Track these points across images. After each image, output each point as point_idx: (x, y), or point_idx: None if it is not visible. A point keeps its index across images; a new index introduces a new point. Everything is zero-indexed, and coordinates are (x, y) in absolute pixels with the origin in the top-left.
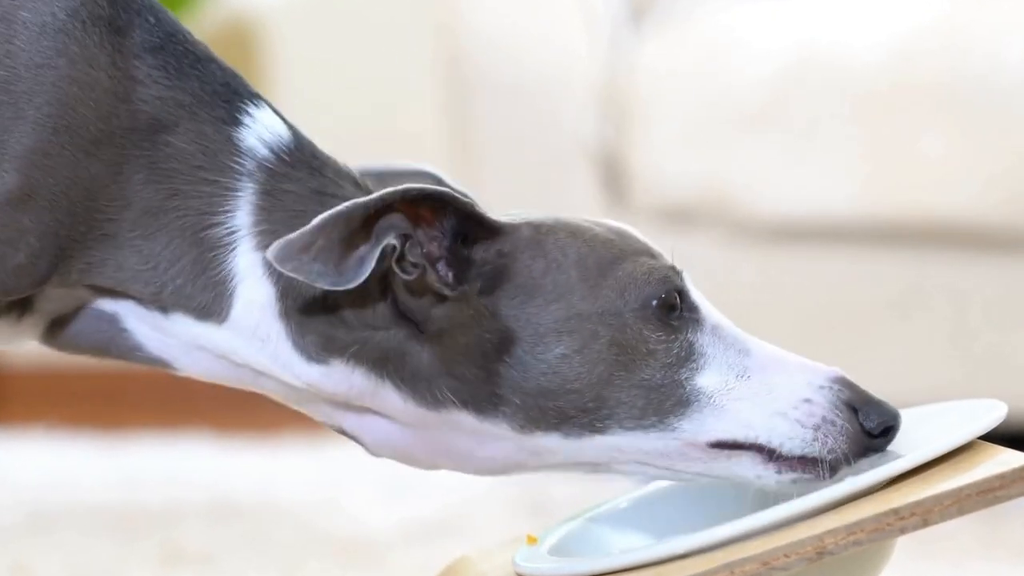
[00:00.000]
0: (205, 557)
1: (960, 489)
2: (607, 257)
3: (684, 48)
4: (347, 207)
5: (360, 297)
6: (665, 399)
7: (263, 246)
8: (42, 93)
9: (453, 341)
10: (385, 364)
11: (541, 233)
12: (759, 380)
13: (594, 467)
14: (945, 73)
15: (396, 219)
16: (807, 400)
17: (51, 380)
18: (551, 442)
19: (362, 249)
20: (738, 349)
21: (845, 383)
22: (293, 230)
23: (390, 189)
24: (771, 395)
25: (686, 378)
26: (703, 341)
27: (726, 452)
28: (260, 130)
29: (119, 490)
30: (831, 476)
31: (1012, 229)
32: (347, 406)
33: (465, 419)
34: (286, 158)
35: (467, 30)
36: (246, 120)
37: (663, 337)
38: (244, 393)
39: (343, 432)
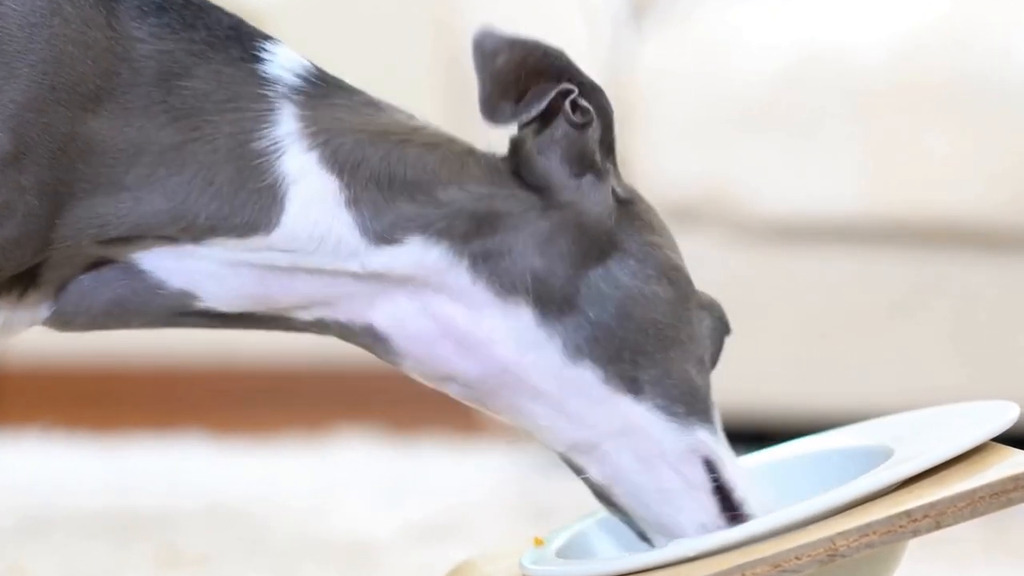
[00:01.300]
0: (202, 559)
1: (973, 491)
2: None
3: (685, 47)
4: (540, 41)
5: (465, 157)
6: (697, 399)
7: (318, 144)
8: (36, 51)
9: (569, 220)
10: (473, 237)
11: (644, 199)
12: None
13: (586, 447)
14: (948, 71)
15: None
16: None
17: (47, 381)
18: (588, 378)
19: (533, 92)
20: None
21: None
22: (351, 126)
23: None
24: (743, 469)
25: (711, 400)
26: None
27: (709, 479)
28: (282, 60)
29: (115, 492)
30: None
31: (1016, 228)
32: (391, 293)
33: (524, 316)
34: (316, 81)
35: (467, 30)
36: (264, 55)
37: (713, 359)
38: (242, 395)
39: (365, 334)
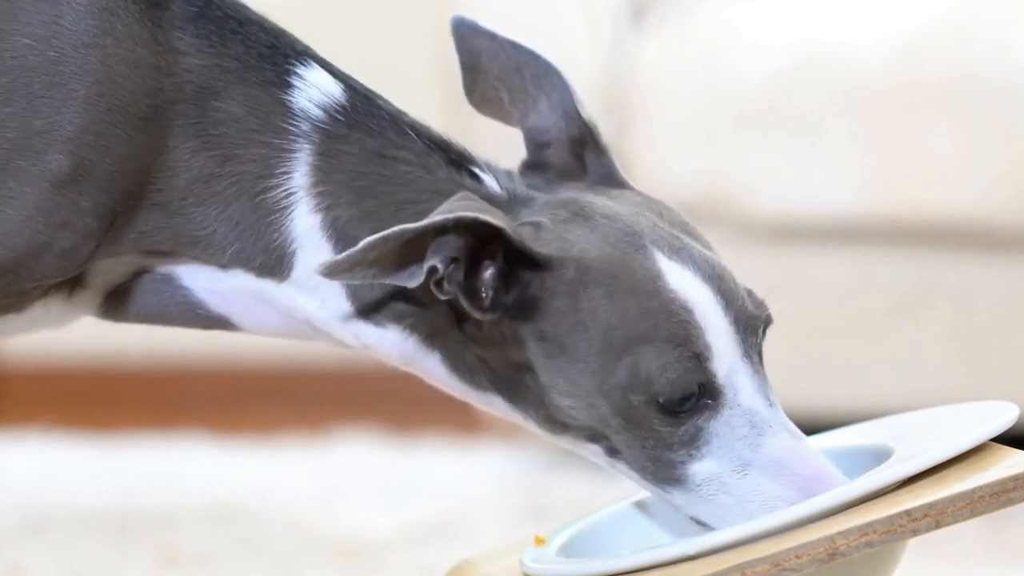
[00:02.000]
0: (202, 560)
1: (973, 491)
2: (633, 335)
3: (686, 46)
4: (396, 231)
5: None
6: (662, 470)
7: (322, 208)
8: (91, 73)
9: (485, 348)
10: (435, 339)
11: (583, 281)
12: (752, 480)
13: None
14: (950, 70)
15: (450, 239)
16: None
17: (48, 381)
18: (575, 444)
19: (411, 266)
20: (751, 442)
21: None
22: (352, 191)
23: (445, 213)
24: (754, 500)
25: (682, 461)
26: (714, 428)
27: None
28: (311, 91)
29: (116, 492)
30: None
31: (1016, 228)
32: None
33: (499, 403)
34: (340, 118)
35: None
36: (295, 81)
37: (669, 422)
38: (243, 395)
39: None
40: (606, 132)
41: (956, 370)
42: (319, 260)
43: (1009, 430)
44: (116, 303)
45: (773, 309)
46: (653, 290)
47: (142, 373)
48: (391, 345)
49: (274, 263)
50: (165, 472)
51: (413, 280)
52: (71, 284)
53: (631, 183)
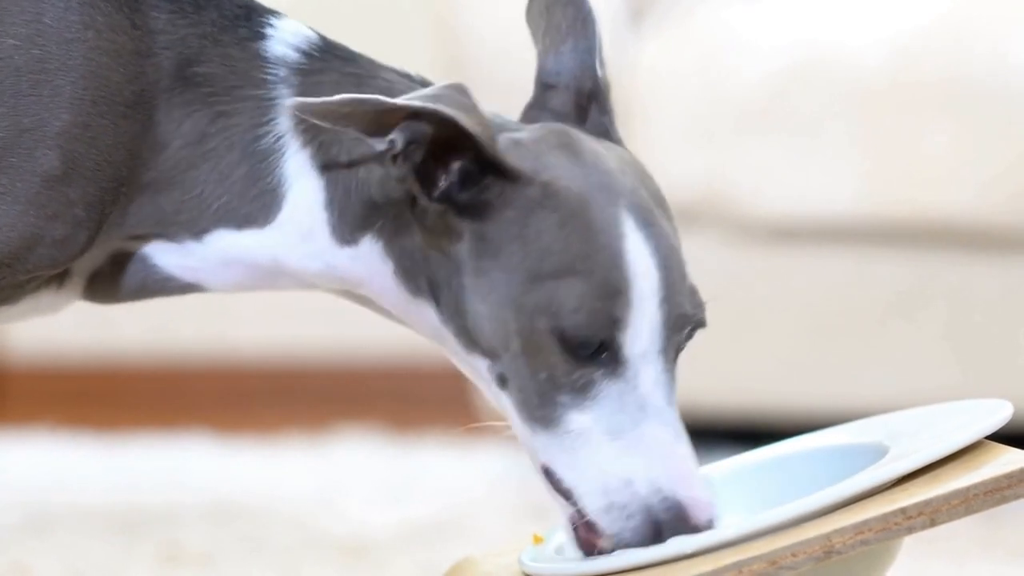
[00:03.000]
0: (205, 558)
1: (968, 489)
2: (564, 266)
3: (685, 47)
4: (373, 99)
5: (387, 173)
6: (542, 408)
7: (309, 142)
8: (75, 68)
9: (425, 235)
10: (393, 242)
11: (542, 203)
12: (619, 448)
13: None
14: (947, 72)
15: (422, 125)
16: (630, 482)
17: (51, 380)
18: (481, 368)
19: (378, 136)
20: (634, 419)
21: (679, 510)
22: None
23: (429, 101)
24: (614, 460)
25: (563, 404)
26: (605, 390)
27: (547, 481)
28: (284, 36)
29: (119, 490)
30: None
31: (1015, 229)
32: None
33: (430, 315)
34: (316, 54)
35: (467, 30)
36: (268, 31)
37: (565, 359)
38: (244, 395)
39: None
40: None
41: (952, 369)
42: (307, 194)
43: (1004, 428)
44: (99, 287)
45: (772, 309)
46: (605, 243)
47: (144, 372)
48: (359, 265)
49: (259, 209)
50: (167, 471)
51: (373, 145)
52: (60, 275)
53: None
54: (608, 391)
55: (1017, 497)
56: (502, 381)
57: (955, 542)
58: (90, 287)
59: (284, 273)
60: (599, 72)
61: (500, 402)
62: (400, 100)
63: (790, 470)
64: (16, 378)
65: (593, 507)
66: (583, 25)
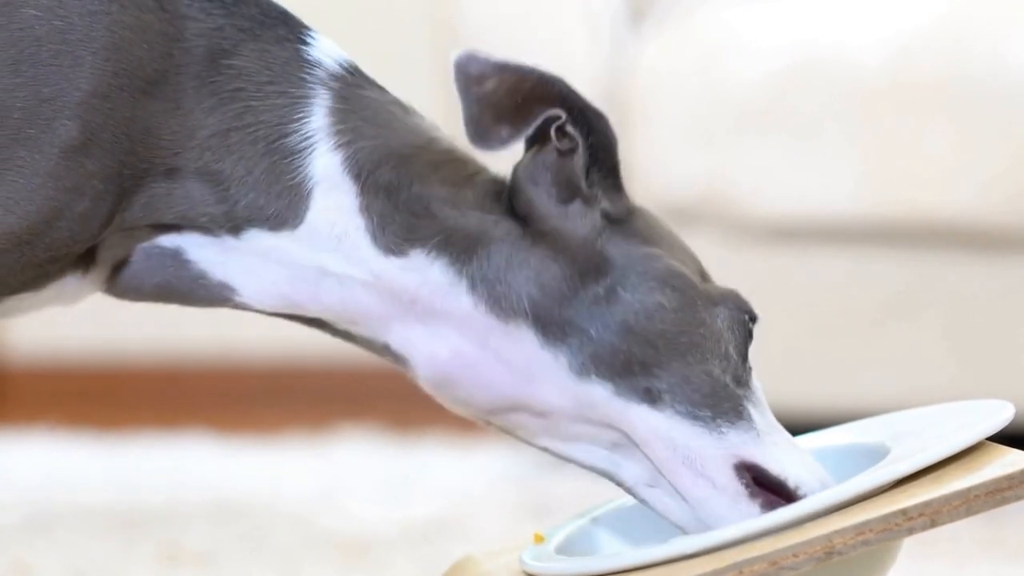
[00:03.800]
0: (205, 557)
1: (969, 490)
2: (686, 253)
3: (685, 47)
4: (530, 67)
5: (465, 180)
6: (724, 400)
7: (342, 144)
8: (97, 39)
9: (557, 246)
10: (469, 257)
11: (647, 213)
12: (783, 436)
13: (606, 465)
14: (946, 72)
15: (557, 114)
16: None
17: (51, 380)
18: (599, 394)
19: (523, 120)
20: (767, 410)
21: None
22: (376, 126)
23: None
24: (803, 460)
25: (743, 396)
26: (756, 384)
27: (741, 484)
28: (324, 46)
29: (119, 490)
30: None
31: (1013, 229)
32: (404, 315)
33: (527, 339)
34: (354, 72)
35: (467, 30)
36: (308, 39)
37: (740, 350)
38: (245, 394)
39: (387, 352)
40: None
41: (951, 369)
42: (337, 197)
43: (1005, 429)
44: (122, 279)
45: (771, 309)
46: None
47: (146, 372)
48: (411, 276)
49: (287, 209)
50: (168, 470)
51: (524, 128)
52: (86, 261)
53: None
54: (756, 384)
55: (1018, 498)
56: (652, 395)
57: (956, 543)
58: (113, 278)
59: (327, 277)
60: None
61: (644, 426)
62: (560, 79)
63: None
64: (17, 377)
65: (811, 487)
66: None
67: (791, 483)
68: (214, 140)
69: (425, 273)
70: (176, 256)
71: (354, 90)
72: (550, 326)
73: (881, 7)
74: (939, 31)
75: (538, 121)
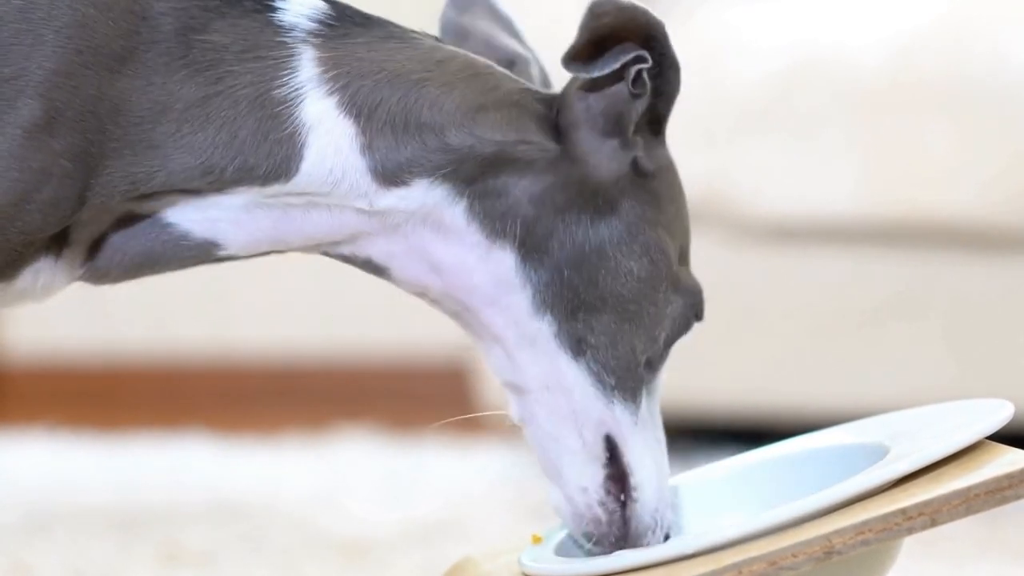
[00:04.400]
0: (205, 557)
1: (968, 489)
2: (686, 233)
3: (685, 47)
4: (654, 16)
5: (488, 97)
6: (629, 378)
7: (337, 88)
8: (59, 16)
9: (577, 174)
10: (478, 180)
11: (670, 162)
12: (658, 441)
13: (516, 389)
14: (946, 72)
15: (633, 53)
16: (664, 490)
17: (51, 380)
18: (544, 332)
19: (611, 52)
20: (653, 411)
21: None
22: (376, 67)
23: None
24: (659, 457)
25: (645, 381)
26: (661, 378)
27: (603, 452)
28: (296, 7)
29: (119, 490)
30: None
31: (1011, 229)
32: (391, 232)
33: (506, 262)
34: (335, 23)
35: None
36: (278, 3)
37: (669, 341)
38: (244, 394)
39: (368, 264)
40: None
41: (951, 369)
42: (334, 141)
43: (1004, 428)
44: (100, 258)
45: (771, 308)
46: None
47: (144, 372)
48: (410, 202)
49: (280, 163)
50: (167, 470)
51: (608, 66)
52: (58, 245)
53: None
54: (656, 379)
55: (1018, 498)
56: (579, 345)
57: (955, 543)
58: (90, 259)
59: (316, 209)
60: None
61: (560, 370)
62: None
63: (790, 470)
64: (16, 378)
65: (645, 499)
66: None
67: (633, 479)
68: (192, 110)
69: (424, 198)
70: (156, 221)
71: (340, 40)
72: (532, 253)
73: (881, 7)
74: (939, 31)
75: (625, 59)
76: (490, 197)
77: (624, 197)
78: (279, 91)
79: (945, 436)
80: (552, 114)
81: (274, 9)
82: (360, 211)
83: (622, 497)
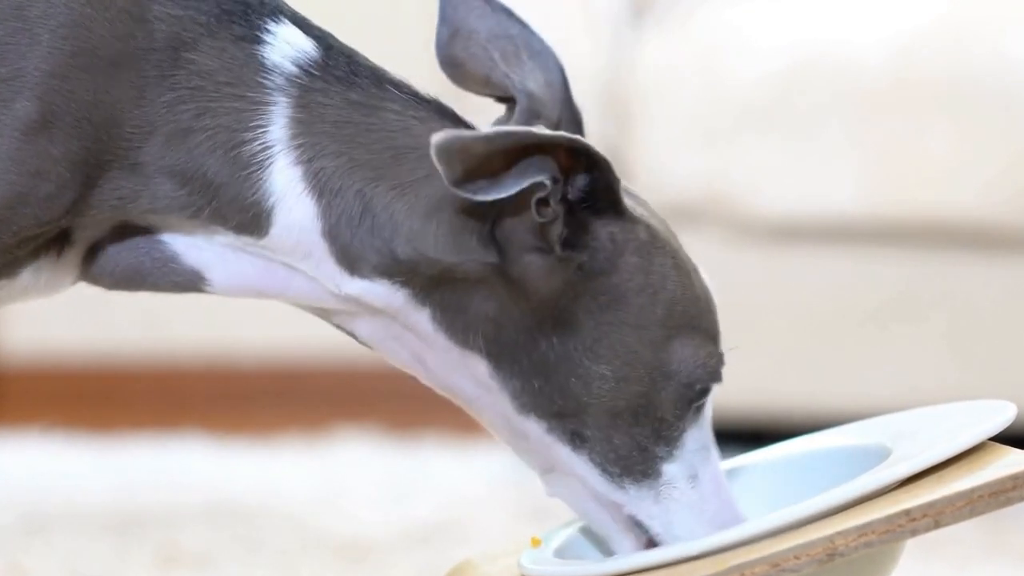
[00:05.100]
0: (202, 559)
1: (972, 490)
2: (691, 315)
3: (686, 46)
4: (520, 130)
5: (443, 198)
6: (636, 463)
7: (303, 160)
8: (55, 16)
9: (523, 294)
10: (434, 292)
11: (654, 244)
12: (700, 493)
13: (540, 469)
14: (947, 71)
15: (548, 161)
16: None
17: (48, 381)
18: (533, 429)
19: (511, 172)
20: (703, 457)
21: None
22: (338, 141)
23: (551, 132)
24: (702, 513)
25: (661, 457)
26: (692, 434)
27: (637, 531)
28: (283, 47)
29: (116, 491)
30: None
31: (1012, 229)
32: (371, 316)
33: (480, 368)
34: (316, 73)
35: None
36: (267, 37)
37: (677, 415)
38: (243, 395)
39: (355, 337)
40: (606, 132)
41: (953, 370)
42: (298, 217)
43: (1007, 429)
44: (97, 261)
45: (772, 308)
46: (696, 281)
47: (142, 373)
48: (375, 297)
49: (250, 222)
50: (165, 472)
51: (504, 191)
52: (60, 244)
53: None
54: (691, 435)
55: (1022, 499)
56: (577, 440)
57: (958, 544)
58: (89, 260)
59: (297, 274)
60: (575, 103)
61: (564, 461)
62: (550, 133)
63: (792, 471)
64: (12, 379)
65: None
66: (543, 56)
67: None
68: (175, 140)
69: (389, 298)
70: (150, 237)
71: (317, 96)
72: (502, 364)
73: (882, 7)
74: (940, 31)
75: (523, 185)
76: (450, 311)
77: (579, 304)
78: (250, 147)
79: (948, 437)
80: (488, 227)
81: (261, 42)
82: (335, 292)
83: None
